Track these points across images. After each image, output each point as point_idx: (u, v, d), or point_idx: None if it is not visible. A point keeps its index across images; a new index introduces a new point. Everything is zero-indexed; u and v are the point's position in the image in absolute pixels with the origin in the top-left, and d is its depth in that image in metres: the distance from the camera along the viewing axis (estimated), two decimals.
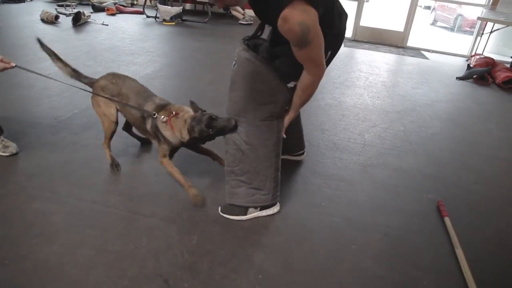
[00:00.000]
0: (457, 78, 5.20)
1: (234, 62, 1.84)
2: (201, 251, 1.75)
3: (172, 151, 2.05)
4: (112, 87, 2.13)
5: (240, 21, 7.46)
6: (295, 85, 1.77)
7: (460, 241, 1.93)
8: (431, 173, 2.65)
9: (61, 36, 5.34)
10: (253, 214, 1.97)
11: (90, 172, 2.26)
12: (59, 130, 2.71)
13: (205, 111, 1.95)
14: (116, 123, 2.22)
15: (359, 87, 4.39)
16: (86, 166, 2.29)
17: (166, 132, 1.97)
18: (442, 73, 5.56)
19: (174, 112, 1.97)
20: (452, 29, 11.55)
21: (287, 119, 1.92)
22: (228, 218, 1.96)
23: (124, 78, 2.19)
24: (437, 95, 4.45)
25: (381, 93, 4.26)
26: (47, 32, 5.44)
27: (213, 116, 1.86)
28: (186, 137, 1.93)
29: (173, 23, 6.76)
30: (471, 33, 9.74)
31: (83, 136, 2.37)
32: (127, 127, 2.50)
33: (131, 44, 5.24)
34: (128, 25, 6.42)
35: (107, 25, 6.19)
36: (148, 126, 2.04)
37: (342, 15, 1.74)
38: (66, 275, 1.57)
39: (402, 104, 3.96)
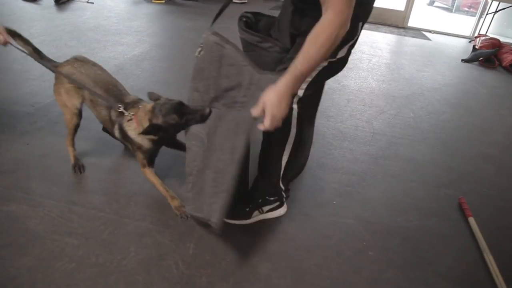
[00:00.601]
0: (462, 60, 4.95)
1: (199, 49, 1.57)
2: (199, 262, 1.51)
3: (150, 157, 1.77)
4: (78, 74, 1.79)
5: (234, 0, 7.09)
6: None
7: (488, 245, 1.73)
8: (447, 165, 2.44)
9: (42, 15, 4.95)
10: (257, 217, 1.73)
11: (70, 168, 1.99)
12: (37, 118, 2.43)
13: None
14: (79, 115, 1.90)
15: (362, 69, 4.13)
16: (66, 160, 2.01)
17: (131, 132, 1.69)
18: (446, 55, 5.32)
19: (140, 106, 1.69)
20: (450, 10, 11.25)
21: (289, 79, 1.23)
22: (228, 223, 1.72)
23: (92, 65, 1.86)
24: (443, 78, 4.22)
25: (386, 76, 4.01)
26: (26, 10, 5.05)
27: (184, 103, 1.59)
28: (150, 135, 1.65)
29: (163, 1, 6.37)
30: (470, 13, 9.51)
31: (64, 125, 2.10)
32: None
33: (118, 23, 4.88)
34: (115, 3, 6.02)
35: (92, 3, 5.78)
36: (116, 132, 1.76)
37: None
38: None
39: (409, 88, 3.72)
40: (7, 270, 1.40)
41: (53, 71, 1.85)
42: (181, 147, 1.86)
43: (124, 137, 1.73)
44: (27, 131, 2.29)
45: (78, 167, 1.98)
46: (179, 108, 1.57)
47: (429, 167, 2.40)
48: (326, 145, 2.47)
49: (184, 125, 1.60)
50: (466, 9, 10.45)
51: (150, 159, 1.77)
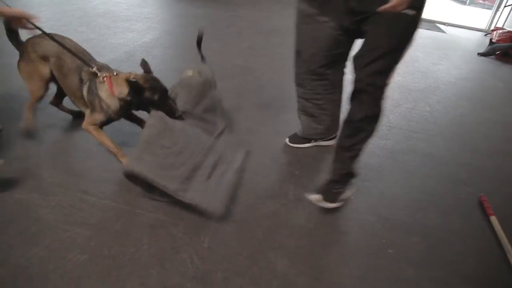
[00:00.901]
0: (478, 54, 4.84)
1: (196, 72, 1.95)
2: (214, 256, 1.47)
3: (106, 122, 1.84)
4: (46, 44, 1.83)
5: None
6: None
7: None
8: (466, 161, 2.37)
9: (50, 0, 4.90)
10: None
11: (82, 156, 1.96)
12: (46, 105, 2.37)
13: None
14: (46, 87, 1.95)
15: None
16: (76, 148, 1.98)
17: (103, 93, 1.75)
18: (461, 48, 5.21)
19: (115, 73, 1.78)
20: (464, 2, 11.04)
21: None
22: (249, 206, 1.70)
23: (61, 37, 1.87)
24: (459, 72, 4.12)
25: (401, 69, 3.90)
26: None
27: (169, 93, 1.78)
28: (124, 92, 1.73)
29: None
30: (486, 6, 9.31)
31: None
32: (56, 101, 2.21)
33: (127, 9, 4.81)
34: None
35: None
36: (85, 91, 1.79)
37: None
38: (52, 286, 1.29)
39: (424, 82, 3.64)
40: (19, 260, 1.36)
41: (18, 49, 1.90)
42: (138, 121, 2.04)
43: (92, 96, 1.78)
44: (37, 117, 2.24)
45: (30, 132, 2.01)
46: (164, 92, 1.74)
47: (447, 163, 2.33)
48: None
49: (154, 106, 1.75)
50: (481, 1, 10.25)
51: (104, 123, 1.85)
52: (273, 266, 1.46)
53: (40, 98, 1.97)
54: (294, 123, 2.32)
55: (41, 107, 2.33)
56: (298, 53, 1.91)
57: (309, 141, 2.23)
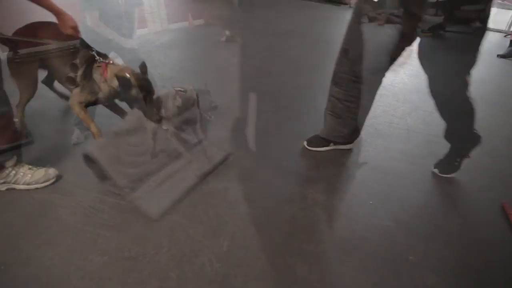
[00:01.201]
0: (498, 55, 4.75)
1: (183, 92, 1.99)
2: (234, 260, 1.46)
3: (92, 103, 1.88)
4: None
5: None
6: None
7: None
8: (487, 166, 2.32)
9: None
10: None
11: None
12: (66, 107, 2.42)
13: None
14: (35, 85, 2.00)
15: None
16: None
17: (97, 77, 1.82)
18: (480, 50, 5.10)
19: (111, 61, 1.83)
20: None
21: None
22: (268, 210, 1.67)
23: (48, 23, 1.94)
24: (478, 74, 4.01)
25: (418, 71, 3.80)
26: None
27: (155, 97, 1.84)
28: (115, 82, 1.78)
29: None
30: (507, 6, 9.12)
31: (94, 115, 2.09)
32: (48, 81, 2.26)
33: (145, 10, 4.84)
34: None
35: None
36: (79, 73, 1.81)
37: None
38: (73, 287, 1.30)
39: None
40: (41, 260, 1.38)
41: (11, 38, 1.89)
42: (118, 111, 2.11)
43: (85, 78, 1.82)
44: (57, 118, 2.28)
45: (26, 134, 2.04)
46: (151, 94, 1.79)
47: (467, 168, 2.27)
48: (361, 142, 2.38)
49: (137, 104, 1.79)
50: (500, 1, 10.04)
51: (91, 104, 1.89)
52: (293, 271, 1.44)
53: (28, 99, 2.01)
54: (311, 126, 2.31)
55: (61, 111, 2.37)
56: (345, 51, 1.90)
57: (328, 143, 2.21)
